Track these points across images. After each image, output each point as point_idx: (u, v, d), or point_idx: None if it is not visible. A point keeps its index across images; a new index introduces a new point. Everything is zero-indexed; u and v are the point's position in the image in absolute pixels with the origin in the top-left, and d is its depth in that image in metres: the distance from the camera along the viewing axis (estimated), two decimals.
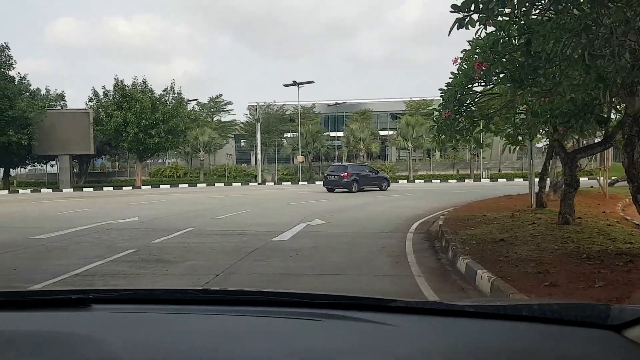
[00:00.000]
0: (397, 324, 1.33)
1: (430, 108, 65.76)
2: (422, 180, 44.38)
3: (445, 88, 9.73)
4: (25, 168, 53.03)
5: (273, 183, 45.09)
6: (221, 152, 57.24)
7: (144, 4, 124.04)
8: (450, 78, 9.68)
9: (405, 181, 45.14)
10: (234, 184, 43.89)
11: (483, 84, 9.53)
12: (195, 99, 55.73)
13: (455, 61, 9.98)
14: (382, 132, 61.00)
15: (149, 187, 39.95)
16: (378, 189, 28.54)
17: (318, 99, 64.23)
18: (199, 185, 42.19)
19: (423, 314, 1.43)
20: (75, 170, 55.34)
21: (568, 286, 5.15)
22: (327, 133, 57.25)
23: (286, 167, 54.05)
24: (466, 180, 43.44)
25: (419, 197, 22.19)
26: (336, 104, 62.23)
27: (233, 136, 64.06)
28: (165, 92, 40.16)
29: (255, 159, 47.78)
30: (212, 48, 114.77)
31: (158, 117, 37.90)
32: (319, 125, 57.76)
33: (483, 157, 49.60)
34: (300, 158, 48.29)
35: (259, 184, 44.22)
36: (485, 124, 11.29)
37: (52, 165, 48.39)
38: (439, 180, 43.81)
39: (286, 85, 48.76)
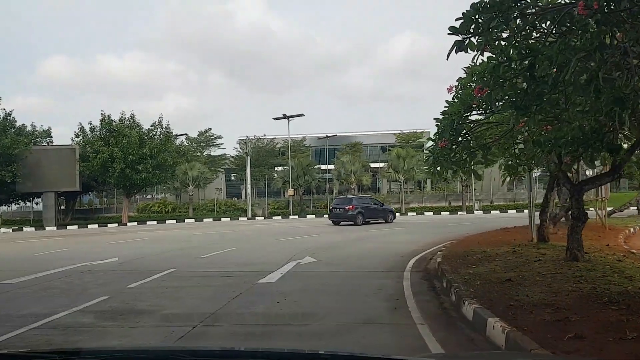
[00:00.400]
0: None
1: (421, 140, 66.03)
2: (415, 213, 43.77)
3: (441, 117, 9.20)
4: (10, 206, 51.92)
5: (263, 217, 44.25)
6: (211, 187, 56.53)
7: (135, 42, 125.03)
8: (445, 107, 9.16)
9: (397, 214, 44.49)
10: (223, 219, 42.99)
11: (481, 111, 9.03)
12: (185, 134, 55.45)
13: (450, 89, 9.50)
14: (372, 165, 60.75)
15: (136, 223, 38.95)
16: (383, 221, 28.29)
17: (308, 133, 64.20)
18: (187, 220, 41.24)
19: None
20: (61, 207, 54.42)
21: (595, 338, 4.47)
22: (317, 166, 56.83)
23: (277, 200, 53.34)
24: (459, 213, 42.92)
25: (413, 231, 21.52)
26: (326, 136, 62.10)
27: (223, 170, 63.51)
28: (153, 127, 39.62)
29: (245, 193, 47.07)
30: (204, 84, 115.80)
31: (145, 152, 37.25)
32: (310, 158, 57.38)
33: (475, 189, 49.26)
34: (291, 191, 47.65)
35: (248, 218, 43.36)
36: (483, 155, 10.75)
37: (36, 203, 47.31)
38: (431, 213, 43.25)
39: (276, 119, 48.55)
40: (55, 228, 36.44)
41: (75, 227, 37.35)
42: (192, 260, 12.83)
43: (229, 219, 42.52)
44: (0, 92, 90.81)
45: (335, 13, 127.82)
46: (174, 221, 40.33)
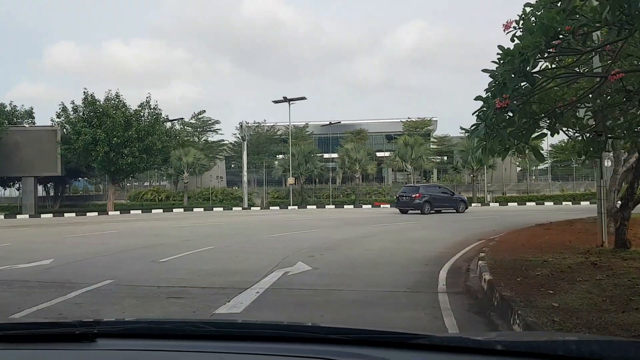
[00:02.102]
0: None
1: (429, 128, 62.69)
2: None
3: (500, 62, 5.91)
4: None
5: (260, 208, 41.13)
6: (211, 175, 53.71)
7: (142, 29, 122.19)
8: (498, 54, 5.88)
9: None
10: (216, 208, 39.90)
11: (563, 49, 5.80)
12: (181, 118, 52.13)
13: (508, 25, 6.21)
14: (378, 154, 57.54)
15: (118, 212, 35.84)
16: (454, 210, 27.54)
17: (311, 120, 60.92)
18: (176, 210, 38.15)
19: (448, 352, 1.32)
20: (51, 193, 51.55)
21: None
22: (320, 154, 53.64)
23: (277, 190, 50.21)
24: (472, 204, 39.62)
25: (429, 226, 18.33)
26: (330, 124, 58.78)
27: (223, 158, 60.36)
28: (140, 108, 36.39)
29: (242, 181, 43.83)
30: (211, 72, 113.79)
31: (131, 135, 34.10)
32: (313, 146, 54.06)
33: (483, 180, 45.96)
34: (291, 180, 44.50)
35: (243, 208, 40.26)
36: (551, 123, 7.47)
37: (18, 189, 44.34)
38: None
39: (276, 102, 45.22)
40: (27, 216, 33.30)
41: (50, 215, 34.20)
42: (147, 265, 9.67)
43: (222, 208, 39.41)
44: (6, 79, 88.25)
45: (344, 2, 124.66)
46: (161, 210, 37.21)
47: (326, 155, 54.63)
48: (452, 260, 9.58)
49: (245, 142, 43.36)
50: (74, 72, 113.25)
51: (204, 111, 39.22)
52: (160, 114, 36.92)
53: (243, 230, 17.88)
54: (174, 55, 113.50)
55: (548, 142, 59.99)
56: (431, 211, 26.60)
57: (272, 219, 24.39)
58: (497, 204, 40.23)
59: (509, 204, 39.65)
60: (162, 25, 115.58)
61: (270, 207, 41.17)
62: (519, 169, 60.59)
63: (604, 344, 1.32)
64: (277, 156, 57.17)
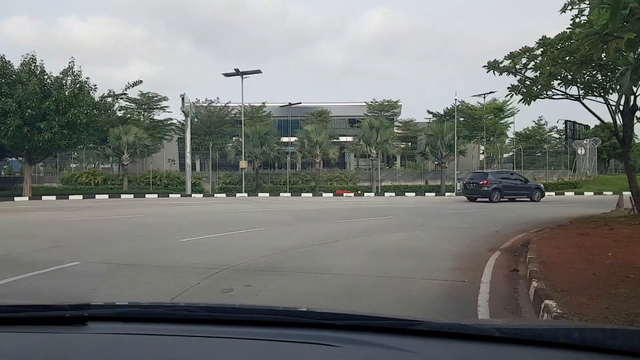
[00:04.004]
0: (419, 351, 1.23)
1: (395, 111, 58.79)
2: (393, 193, 36.50)
3: None
4: None
5: (202, 195, 36.21)
6: (161, 157, 48.55)
7: (99, 5, 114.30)
8: None
9: (371, 194, 37.20)
10: (149, 195, 34.75)
11: None
12: (124, 93, 46.14)
13: None
14: (341, 139, 53.29)
15: (27, 198, 30.28)
16: (528, 199, 25.94)
17: (270, 101, 55.85)
18: (99, 197, 32.85)
19: (449, 339, 1.29)
20: None
21: None
22: (279, 137, 49.05)
23: (229, 174, 45.30)
24: (447, 194, 35.89)
25: (406, 225, 14.13)
26: (290, 104, 54.14)
27: (175, 139, 54.80)
28: (62, 75, 30.67)
29: (185, 164, 38.70)
30: (171, 52, 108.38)
31: (49, 106, 28.51)
32: (270, 127, 49.23)
33: (446, 167, 42.37)
34: (243, 164, 39.75)
35: (182, 195, 35.28)
36: None
37: None
38: (413, 193, 36.10)
39: (227, 75, 40.07)
40: None
41: None
42: None
43: (156, 195, 34.28)
44: None
45: None
46: (81, 197, 31.82)
47: (285, 139, 49.98)
48: (482, 304, 5.27)
49: (189, 119, 38.14)
50: (27, 48, 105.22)
51: (140, 81, 33.68)
52: (86, 82, 31.18)
53: (153, 228, 12.96)
54: (132, 33, 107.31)
55: (514, 129, 57.26)
56: (501, 199, 25.30)
57: (208, 211, 19.60)
58: None
59: None
60: (121, 3, 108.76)
61: (216, 195, 36.28)
62: (482, 156, 57.70)
63: (608, 332, 1.30)
64: (232, 138, 52.11)
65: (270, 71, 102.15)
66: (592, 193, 33.02)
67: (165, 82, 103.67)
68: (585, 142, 48.11)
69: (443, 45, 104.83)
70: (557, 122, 60.69)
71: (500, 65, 13.36)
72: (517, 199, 26.02)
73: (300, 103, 53.69)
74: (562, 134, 61.27)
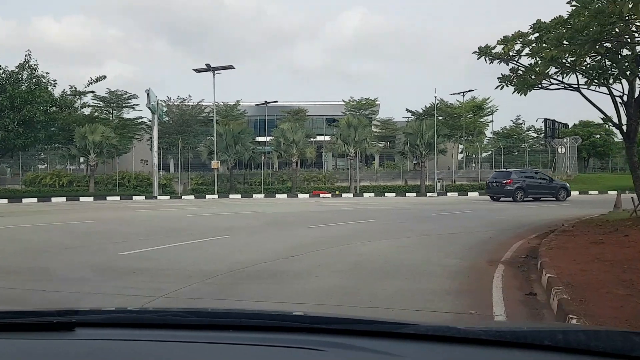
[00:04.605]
0: (404, 354, 1.22)
1: (374, 109, 57.37)
2: (373, 194, 35.05)
3: None
4: None
5: (169, 197, 34.28)
6: (134, 158, 46.54)
7: (74, 4, 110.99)
8: None
9: (349, 194, 35.70)
10: (111, 198, 32.69)
11: None
12: (92, 91, 43.77)
13: None
14: (318, 138, 51.66)
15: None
16: (554, 199, 25.23)
17: (247, 100, 53.88)
18: (56, 199, 30.67)
19: (436, 341, 1.29)
20: None
21: None
22: (254, 137, 47.35)
23: (202, 175, 43.41)
24: (428, 195, 34.61)
25: (392, 229, 12.62)
26: (265, 103, 52.33)
27: (148, 139, 52.52)
28: (17, 69, 28.40)
29: (152, 163, 36.68)
30: (147, 53, 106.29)
31: (3, 103, 26.27)
32: (244, 125, 47.37)
33: (425, 167, 41.22)
34: (215, 164, 37.91)
35: (146, 198, 33.31)
36: None
37: None
38: (393, 194, 34.68)
39: (198, 71, 38.18)
40: None
41: None
42: None
43: (119, 197, 32.24)
44: None
45: None
46: (35, 200, 29.65)
47: (262, 139, 48.27)
48: None
49: (156, 116, 36.12)
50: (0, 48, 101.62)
51: (104, 77, 31.60)
52: (44, 77, 28.93)
53: (95, 238, 10.97)
54: (108, 33, 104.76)
55: (493, 128, 56.46)
56: (525, 199, 24.72)
57: (168, 216, 17.68)
58: (456, 194, 35.36)
59: (469, 194, 34.87)
60: (96, 2, 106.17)
61: (185, 197, 34.36)
62: (461, 155, 56.85)
63: (591, 333, 1.32)
64: (207, 137, 50.11)
65: (248, 72, 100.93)
66: (577, 192, 32.07)
67: (142, 83, 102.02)
68: (565, 140, 47.41)
69: (421, 45, 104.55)
70: (537, 120, 60.45)
71: (493, 51, 11.95)
72: (542, 199, 25.38)
73: (276, 101, 51.95)
74: (540, 132, 61.12)
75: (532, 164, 47.78)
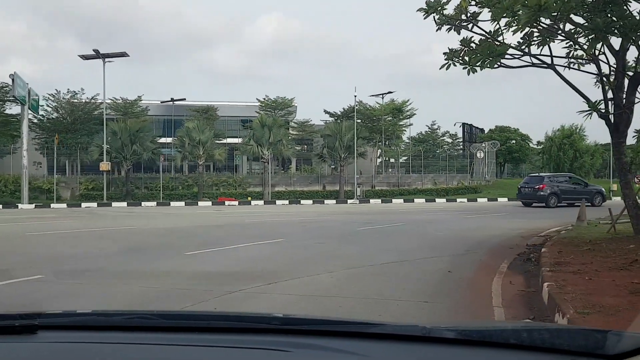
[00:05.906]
0: (369, 354, 1.22)
1: (290, 109, 53.83)
2: (287, 201, 31.32)
3: None
4: None
5: (32, 206, 28.62)
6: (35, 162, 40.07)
7: None
8: None
9: (261, 202, 31.76)
10: None
11: None
12: None
13: None
14: (230, 140, 47.09)
15: None
16: (589, 204, 22.66)
17: (151, 99, 48.32)
18: None
19: (400, 341, 1.30)
20: None
21: None
22: (158, 137, 42.23)
23: (93, 179, 37.86)
24: (349, 202, 31.44)
25: (306, 257, 8.96)
26: (172, 100, 47.23)
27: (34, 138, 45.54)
28: None
29: (22, 164, 30.74)
30: (54, 50, 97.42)
31: None
32: (144, 123, 42.00)
33: (343, 172, 38.48)
34: (104, 165, 32.67)
35: (3, 207, 27.63)
36: None
37: None
38: (310, 201, 31.15)
39: (86, 58, 32.69)
40: None
41: None
42: None
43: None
44: None
45: None
46: None
47: (169, 140, 43.25)
48: None
49: (27, 107, 30.30)
50: None
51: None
52: None
53: None
54: (9, 28, 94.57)
55: (410, 133, 55.00)
56: (558, 204, 23.90)
57: (19, 232, 13.06)
58: (379, 200, 32.46)
59: (394, 200, 32.13)
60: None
61: (54, 205, 28.83)
62: (379, 160, 54.83)
63: (554, 332, 1.34)
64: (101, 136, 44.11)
65: (164, 75, 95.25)
66: (505, 199, 30.39)
67: (48, 82, 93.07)
68: (484, 145, 46.46)
69: (339, 51, 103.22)
70: (455, 124, 59.61)
71: (444, 11, 8.73)
72: (576, 204, 23.39)
73: (184, 99, 47.05)
74: (455, 138, 60.81)
75: (447, 169, 46.31)
